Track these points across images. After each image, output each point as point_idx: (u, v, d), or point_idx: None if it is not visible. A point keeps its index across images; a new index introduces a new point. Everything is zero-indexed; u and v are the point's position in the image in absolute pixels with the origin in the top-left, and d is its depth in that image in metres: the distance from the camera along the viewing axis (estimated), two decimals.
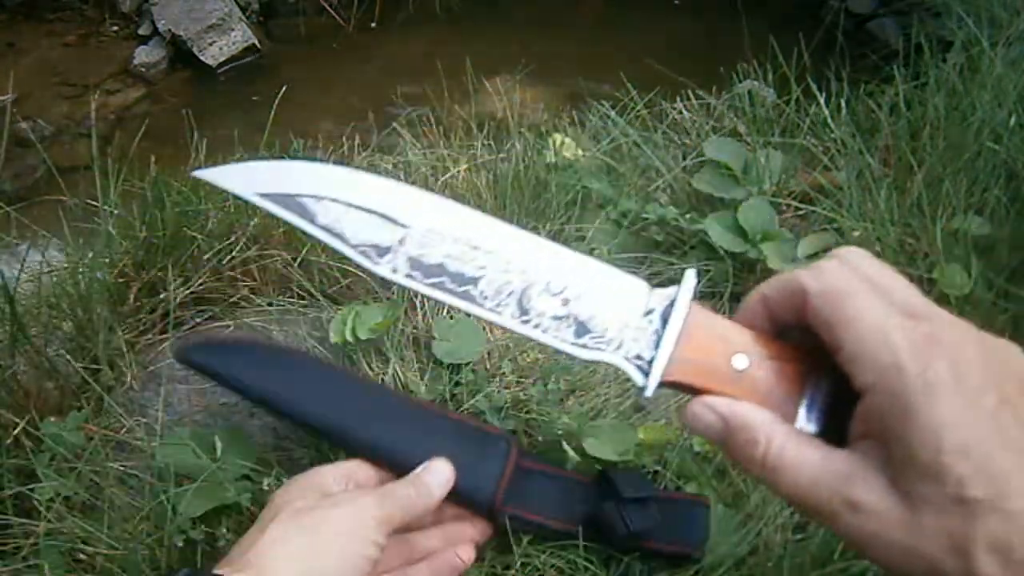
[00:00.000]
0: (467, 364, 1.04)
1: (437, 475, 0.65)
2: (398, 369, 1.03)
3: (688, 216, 1.29)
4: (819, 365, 0.43)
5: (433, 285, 0.45)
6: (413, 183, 1.33)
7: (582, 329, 0.45)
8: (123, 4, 3.14)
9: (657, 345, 0.44)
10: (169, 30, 2.96)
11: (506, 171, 1.34)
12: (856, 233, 1.28)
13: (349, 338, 1.05)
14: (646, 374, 0.44)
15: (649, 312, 0.45)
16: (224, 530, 0.85)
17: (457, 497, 0.86)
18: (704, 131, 1.53)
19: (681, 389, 0.45)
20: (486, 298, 0.45)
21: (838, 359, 0.41)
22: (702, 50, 2.78)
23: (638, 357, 0.45)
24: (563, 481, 0.88)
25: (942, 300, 1.16)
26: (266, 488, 0.88)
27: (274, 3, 3.23)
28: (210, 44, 2.95)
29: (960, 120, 1.41)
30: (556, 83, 2.43)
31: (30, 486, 0.91)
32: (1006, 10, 1.79)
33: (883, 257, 1.23)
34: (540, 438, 0.97)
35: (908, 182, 1.36)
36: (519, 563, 0.86)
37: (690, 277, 0.45)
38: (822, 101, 1.50)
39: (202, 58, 2.93)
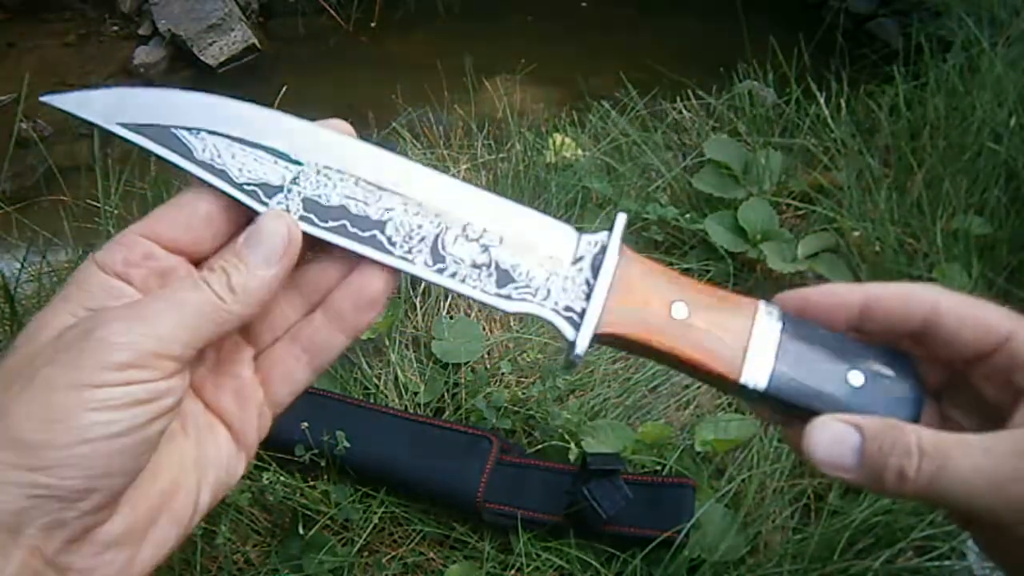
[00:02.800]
0: (466, 363, 1.04)
1: (263, 247, 0.37)
2: (398, 369, 1.03)
3: (688, 216, 1.29)
4: (769, 313, 0.39)
5: (333, 230, 0.40)
6: None
7: (505, 278, 0.40)
8: (123, 4, 3.14)
9: (589, 296, 0.40)
10: (169, 30, 2.96)
11: (506, 171, 1.34)
12: (856, 233, 1.28)
13: None
14: (577, 327, 0.39)
15: (578, 260, 0.40)
16: (223, 528, 0.85)
17: (441, 497, 0.90)
18: (704, 131, 1.53)
19: (616, 345, 0.41)
20: (395, 244, 0.40)
21: (974, 369, 0.38)
22: (702, 50, 2.78)
23: (568, 309, 0.40)
24: (547, 472, 0.90)
25: None
26: (265, 483, 0.88)
27: (274, 3, 3.23)
28: (210, 44, 2.95)
29: (960, 120, 1.41)
30: (556, 83, 2.43)
31: None
32: (1006, 10, 1.79)
33: (883, 257, 1.23)
34: (539, 435, 0.97)
35: (908, 182, 1.36)
36: (519, 562, 0.86)
37: (621, 220, 0.41)
38: (822, 101, 1.50)
39: (202, 58, 2.93)
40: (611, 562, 0.86)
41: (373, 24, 3.19)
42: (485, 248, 0.40)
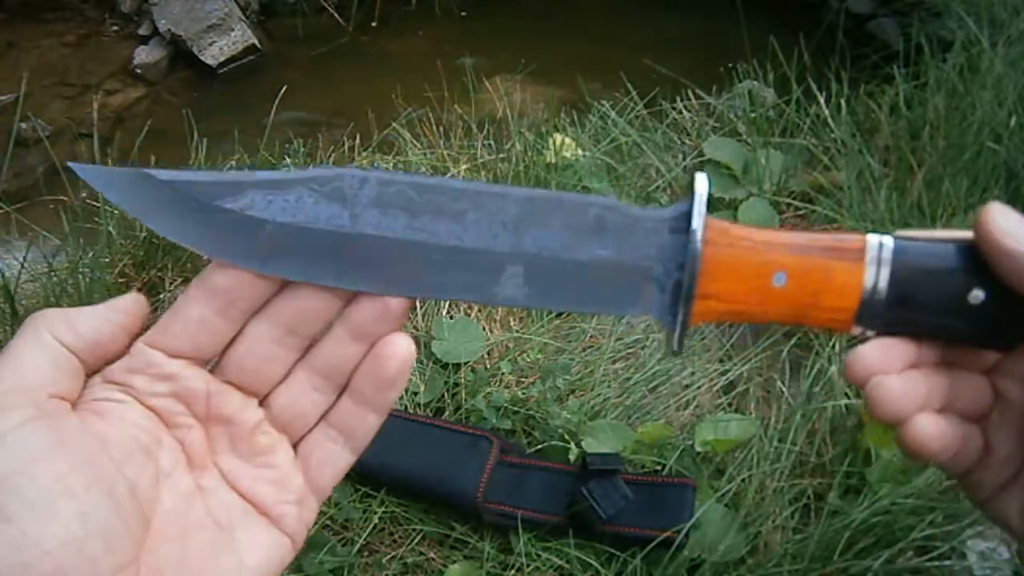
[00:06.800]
0: (466, 363, 1.04)
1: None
2: None
3: None
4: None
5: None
6: None
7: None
8: (123, 4, 3.14)
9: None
10: (169, 30, 2.95)
11: (506, 171, 1.34)
12: None
13: None
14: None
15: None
16: None
17: (441, 497, 0.90)
18: (704, 131, 1.53)
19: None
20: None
21: None
22: (702, 50, 2.78)
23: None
24: (547, 473, 0.90)
25: None
26: None
27: (274, 3, 3.23)
28: (210, 44, 2.95)
29: (960, 120, 1.41)
30: (556, 83, 2.43)
31: None
32: (1006, 10, 1.79)
33: None
34: (539, 435, 0.97)
35: (908, 182, 1.36)
36: (519, 562, 0.86)
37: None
38: (822, 101, 1.50)
39: (202, 58, 2.92)
40: (611, 562, 0.86)
41: (373, 24, 3.19)
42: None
